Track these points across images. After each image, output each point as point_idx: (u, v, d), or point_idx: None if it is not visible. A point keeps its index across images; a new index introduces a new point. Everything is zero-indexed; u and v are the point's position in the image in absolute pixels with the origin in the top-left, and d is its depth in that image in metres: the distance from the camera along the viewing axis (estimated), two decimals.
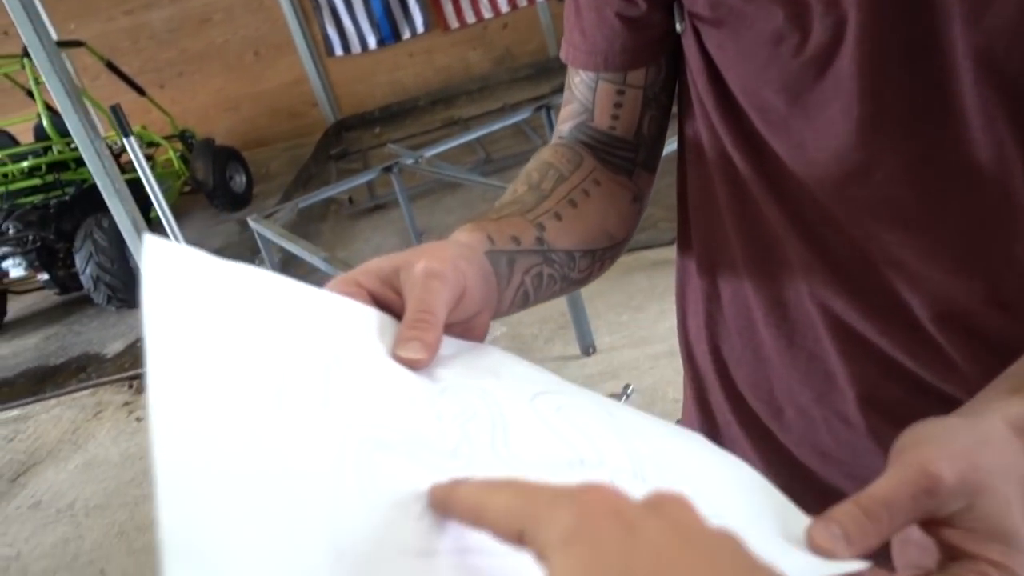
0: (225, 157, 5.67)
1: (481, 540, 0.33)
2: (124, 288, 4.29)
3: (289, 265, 4.28)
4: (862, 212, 0.58)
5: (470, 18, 6.63)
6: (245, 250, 4.72)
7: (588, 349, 2.69)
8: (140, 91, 5.39)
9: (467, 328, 0.50)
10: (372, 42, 6.77)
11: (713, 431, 0.75)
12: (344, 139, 6.67)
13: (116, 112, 2.10)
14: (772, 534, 0.37)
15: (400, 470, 0.35)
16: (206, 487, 0.30)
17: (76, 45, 5.19)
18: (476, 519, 0.32)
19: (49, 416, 3.49)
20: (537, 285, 0.60)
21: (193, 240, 3.65)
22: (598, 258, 0.66)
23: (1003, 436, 0.40)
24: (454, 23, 6.68)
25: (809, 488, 0.68)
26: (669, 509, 0.30)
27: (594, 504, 0.29)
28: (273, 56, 6.83)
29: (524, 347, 2.87)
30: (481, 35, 6.82)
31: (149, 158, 5.32)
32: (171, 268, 0.37)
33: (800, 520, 0.38)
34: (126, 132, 2.08)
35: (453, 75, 6.80)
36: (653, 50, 0.65)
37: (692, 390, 0.76)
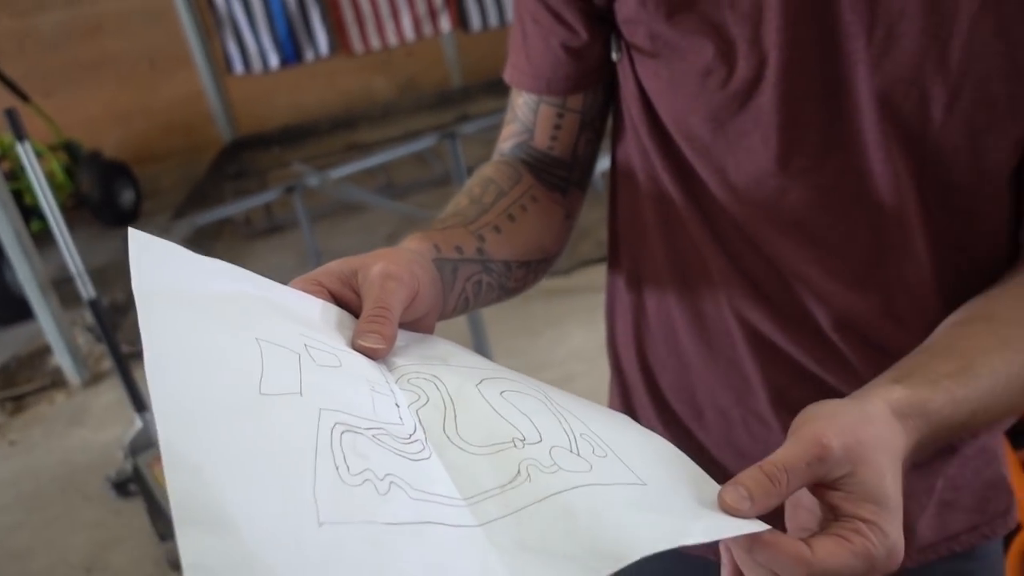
0: (113, 171, 5.45)
1: (440, 514, 0.36)
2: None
3: None
4: (776, 232, 0.64)
5: (375, 44, 6.64)
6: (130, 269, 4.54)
7: None
8: (24, 97, 5.13)
9: (416, 327, 0.53)
10: (274, 62, 6.67)
11: None
12: (241, 158, 6.53)
13: (12, 116, 2.00)
14: (689, 498, 0.43)
15: (367, 451, 0.38)
16: (216, 459, 0.32)
17: None
18: None
19: None
20: (476, 292, 0.63)
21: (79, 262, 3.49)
22: (532, 269, 0.70)
23: (883, 416, 0.47)
24: (359, 48, 6.67)
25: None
26: None
27: None
28: (170, 69, 6.63)
29: None
30: (386, 61, 6.83)
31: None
32: (156, 258, 0.39)
33: (712, 487, 0.44)
34: (21, 136, 1.98)
35: (356, 100, 6.77)
36: (592, 77, 0.70)
37: (619, 396, 0.81)
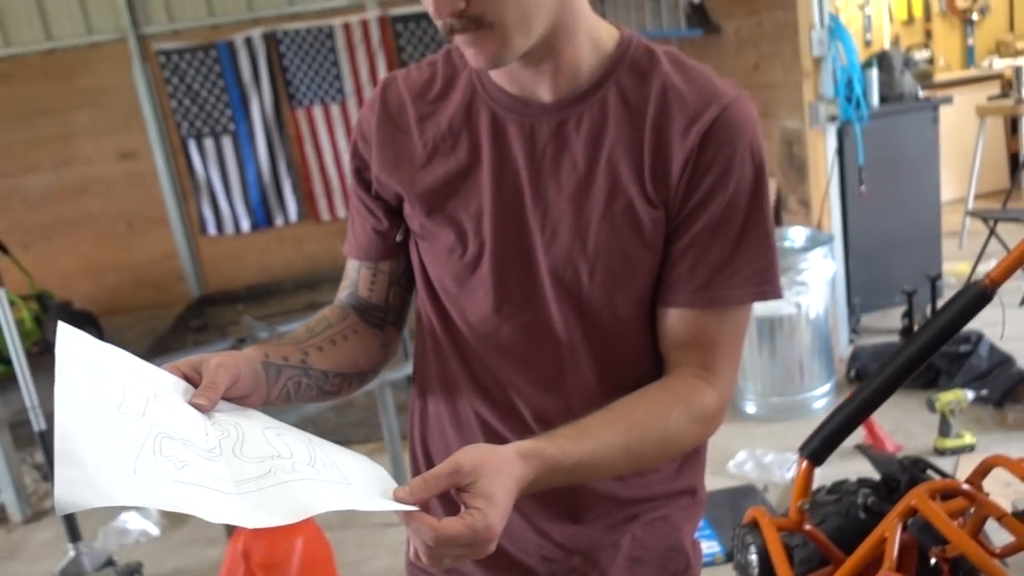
0: (80, 320, 5.70)
1: (214, 484, 0.66)
2: None
3: None
4: (496, 355, 0.97)
5: (341, 213, 7.15)
6: None
7: None
8: (4, 250, 5.49)
9: (243, 403, 0.83)
10: (246, 225, 7.14)
11: None
12: (206, 313, 6.84)
13: None
14: (376, 493, 0.72)
15: (174, 449, 0.68)
16: (85, 436, 0.63)
17: None
18: None
19: None
20: (297, 389, 0.93)
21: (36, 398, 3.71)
22: (347, 379, 1.01)
23: (508, 453, 0.78)
24: (326, 216, 7.19)
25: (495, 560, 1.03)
26: None
27: None
28: (146, 229, 7.07)
29: None
30: None
31: None
32: (75, 345, 0.71)
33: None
34: None
35: (321, 262, 7.18)
36: (394, 250, 1.05)
37: (412, 470, 1.11)
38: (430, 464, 1.06)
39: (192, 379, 0.81)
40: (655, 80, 0.91)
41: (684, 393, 0.91)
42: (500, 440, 0.94)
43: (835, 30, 3.55)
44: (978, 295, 1.51)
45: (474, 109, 0.94)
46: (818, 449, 1.63)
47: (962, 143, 5.70)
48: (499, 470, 0.75)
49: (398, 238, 1.03)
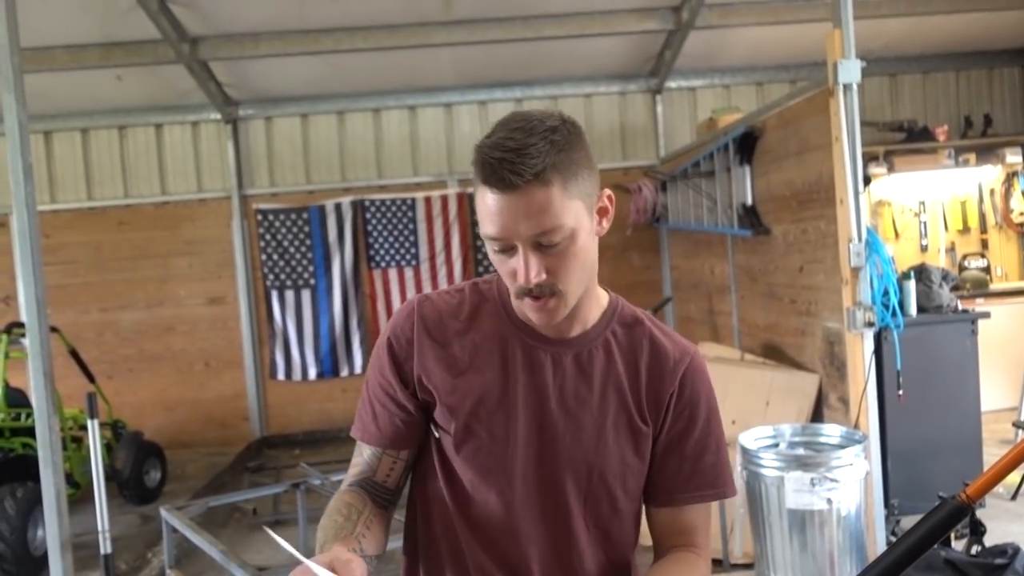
0: (148, 452, 6.01)
1: None
2: (14, 560, 4.42)
3: (186, 558, 4.52)
4: (512, 535, 1.18)
5: None
6: (139, 542, 4.95)
7: None
8: (91, 379, 5.93)
9: None
10: (312, 374, 7.53)
11: None
12: (264, 455, 7.11)
13: (91, 398, 2.66)
14: None
15: None
16: None
17: (52, 331, 5.81)
18: None
19: None
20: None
21: (91, 524, 3.93)
22: (379, 560, 1.19)
23: None
24: None
25: None
26: None
27: None
28: (221, 369, 7.51)
29: None
30: None
31: (77, 440, 5.70)
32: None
33: None
34: (93, 415, 2.62)
35: None
36: (413, 440, 1.24)
37: None
38: None
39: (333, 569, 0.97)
40: (642, 331, 1.23)
41: (691, 563, 1.20)
42: None
43: (872, 243, 3.82)
44: (955, 509, 1.69)
45: (504, 336, 1.19)
46: None
47: (1017, 352, 5.77)
48: None
49: (436, 435, 1.21)
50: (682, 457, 1.20)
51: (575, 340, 1.20)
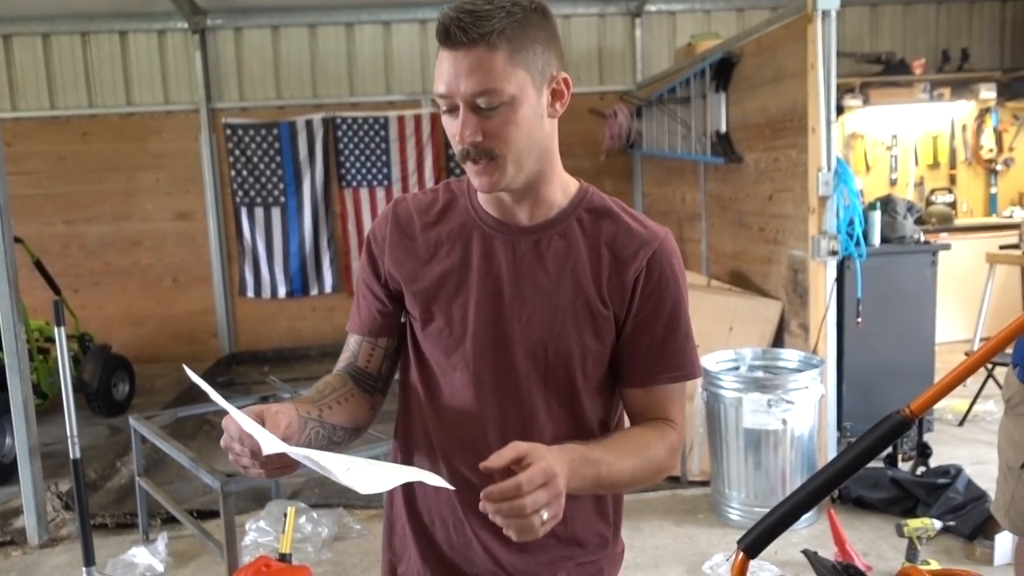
0: (115, 365, 6.01)
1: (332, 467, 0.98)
2: None
3: (155, 468, 4.58)
4: (473, 416, 1.23)
5: None
6: (109, 452, 5.00)
7: None
8: (57, 291, 5.88)
9: (287, 442, 1.07)
10: (282, 292, 7.52)
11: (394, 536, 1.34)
12: (233, 371, 7.15)
13: (57, 306, 2.64)
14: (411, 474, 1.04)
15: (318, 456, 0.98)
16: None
17: (16, 241, 5.72)
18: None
19: None
20: (316, 437, 1.20)
21: (60, 434, 3.95)
22: (348, 433, 1.27)
23: (552, 448, 1.05)
24: None
25: (447, 569, 1.27)
26: None
27: None
28: (189, 285, 7.47)
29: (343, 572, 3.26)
30: None
31: (44, 351, 5.67)
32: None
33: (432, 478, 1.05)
34: (60, 323, 2.61)
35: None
36: (391, 329, 1.32)
37: (387, 516, 1.37)
38: (411, 506, 1.31)
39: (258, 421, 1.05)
40: (611, 218, 1.24)
41: (659, 430, 1.24)
42: (473, 491, 1.17)
43: (840, 173, 3.85)
44: (898, 423, 1.76)
45: (468, 227, 1.25)
46: (753, 543, 1.88)
47: (976, 287, 5.91)
48: (548, 450, 1.03)
49: (401, 319, 1.30)
50: (652, 339, 1.22)
51: (536, 228, 1.23)
